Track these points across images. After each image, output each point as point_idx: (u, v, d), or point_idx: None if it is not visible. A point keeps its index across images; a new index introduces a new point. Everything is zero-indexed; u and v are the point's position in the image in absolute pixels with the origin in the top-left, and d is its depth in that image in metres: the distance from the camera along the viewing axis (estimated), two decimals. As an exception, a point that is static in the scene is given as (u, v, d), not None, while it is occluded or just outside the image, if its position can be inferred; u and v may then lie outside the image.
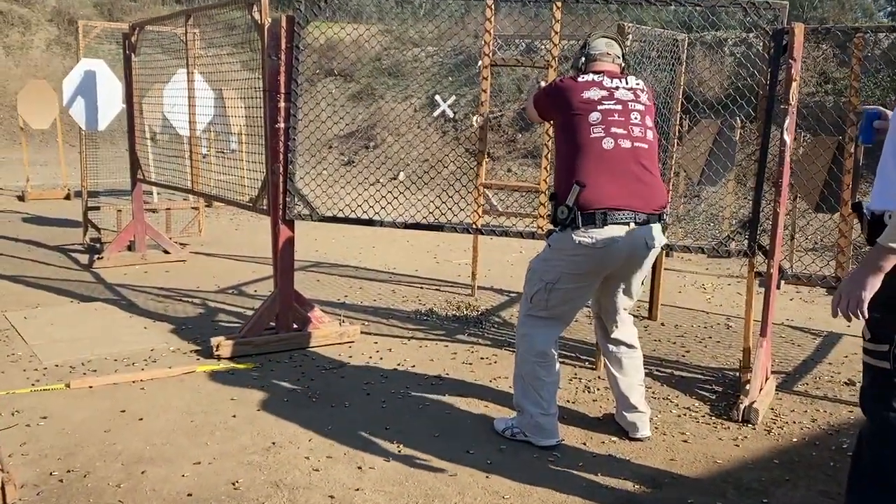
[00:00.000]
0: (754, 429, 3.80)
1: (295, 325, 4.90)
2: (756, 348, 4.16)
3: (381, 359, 4.71)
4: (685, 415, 3.97)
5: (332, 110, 5.13)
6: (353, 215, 4.88)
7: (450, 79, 14.44)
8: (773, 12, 4.02)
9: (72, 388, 4.11)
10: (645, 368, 4.18)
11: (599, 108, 3.36)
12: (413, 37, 14.01)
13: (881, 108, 2.64)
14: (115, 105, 7.59)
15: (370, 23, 15.02)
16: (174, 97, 6.77)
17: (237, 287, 6.41)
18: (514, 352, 3.72)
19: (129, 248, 7.28)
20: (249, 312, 5.33)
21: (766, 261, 4.20)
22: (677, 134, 5.41)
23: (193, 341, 4.93)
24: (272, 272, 5.05)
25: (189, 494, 3.07)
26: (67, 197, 11.02)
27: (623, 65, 3.63)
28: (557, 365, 3.57)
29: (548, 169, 4.57)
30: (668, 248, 4.62)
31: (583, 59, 3.57)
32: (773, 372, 4.47)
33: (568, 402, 4.08)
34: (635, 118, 3.40)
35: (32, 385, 4.16)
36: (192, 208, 8.60)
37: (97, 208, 8.10)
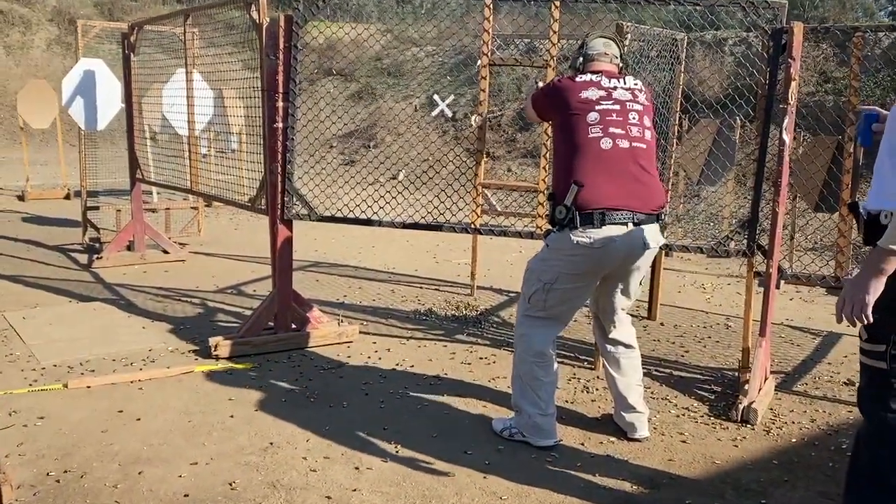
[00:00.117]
0: (753, 429, 3.80)
1: (293, 325, 4.90)
2: (755, 348, 4.16)
3: (380, 359, 4.70)
4: (684, 415, 3.97)
5: (331, 110, 5.12)
6: (351, 215, 4.87)
7: (448, 78, 14.43)
8: (772, 11, 4.01)
9: (69, 388, 4.11)
10: (644, 368, 4.17)
11: (597, 108, 3.35)
12: (413, 36, 14.00)
13: (879, 109, 2.63)
14: (115, 105, 7.59)
15: (370, 22, 15.02)
16: (173, 97, 6.77)
17: (236, 287, 6.40)
18: (512, 352, 3.71)
19: (129, 248, 7.28)
20: (248, 312, 5.33)
21: (765, 260, 4.19)
22: (676, 134, 5.39)
23: (192, 341, 4.92)
24: (271, 272, 5.04)
25: (186, 495, 3.06)
26: (67, 197, 11.01)
27: (621, 65, 3.62)
28: (555, 365, 3.57)
29: (546, 169, 4.56)
30: (667, 248, 4.61)
31: (581, 58, 3.57)
32: (772, 372, 4.46)
33: (566, 402, 4.07)
34: (633, 118, 3.39)
35: (30, 385, 4.15)
36: (192, 208, 8.60)
37: (96, 208, 8.09)
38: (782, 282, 4.56)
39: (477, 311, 5.82)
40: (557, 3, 4.33)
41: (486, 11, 4.46)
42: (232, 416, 3.80)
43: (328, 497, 3.07)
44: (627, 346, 3.68)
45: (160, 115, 7.22)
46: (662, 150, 5.00)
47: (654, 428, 3.76)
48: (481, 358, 4.75)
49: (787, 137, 3.97)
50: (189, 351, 4.76)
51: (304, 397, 4.08)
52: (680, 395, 4.23)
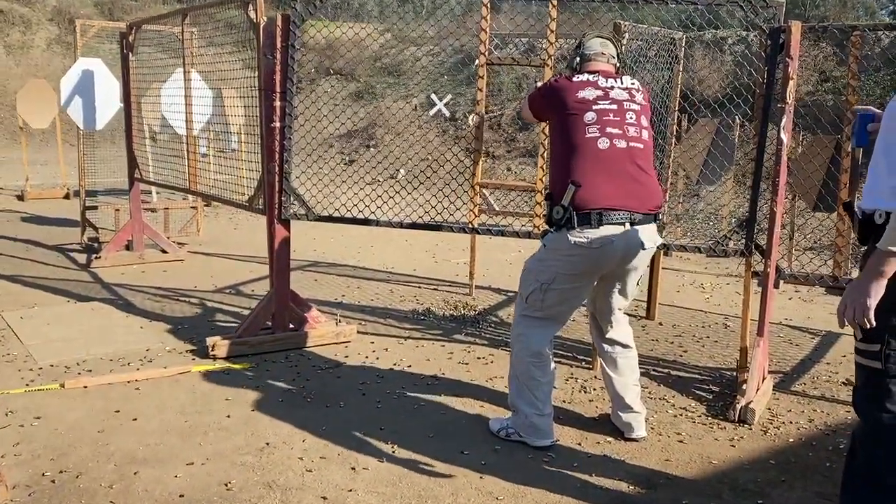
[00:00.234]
0: (751, 429, 3.79)
1: (291, 325, 4.89)
2: (753, 348, 4.15)
3: (378, 359, 4.70)
4: (681, 415, 3.96)
5: (328, 109, 5.11)
6: (348, 215, 4.87)
7: (445, 77, 14.42)
8: (770, 11, 4.00)
9: (66, 388, 4.10)
10: (642, 368, 4.17)
11: (594, 107, 3.34)
12: (413, 36, 13.99)
13: (875, 109, 2.62)
14: (113, 104, 7.58)
15: (370, 22, 15.02)
16: (172, 96, 6.77)
17: (234, 287, 6.40)
18: (510, 351, 3.71)
19: (127, 248, 7.28)
20: (247, 312, 5.32)
21: (763, 260, 4.18)
22: (675, 133, 5.38)
23: (189, 341, 4.92)
24: (269, 272, 5.03)
25: (181, 495, 3.05)
26: (67, 196, 11.01)
27: (618, 64, 3.61)
28: (552, 365, 3.56)
29: (544, 168, 4.56)
30: (665, 248, 4.61)
31: (577, 58, 3.56)
32: (770, 371, 4.45)
33: (564, 402, 4.06)
34: (630, 118, 3.38)
35: (27, 385, 4.15)
36: (191, 208, 8.59)
37: (95, 208, 8.09)
38: (781, 281, 4.56)
39: (475, 310, 5.82)
40: (555, 2, 4.32)
41: (483, 11, 4.45)
42: (228, 417, 3.80)
43: (324, 497, 3.06)
44: (624, 346, 3.67)
45: (160, 115, 7.21)
46: (660, 150, 4.98)
47: (652, 428, 3.75)
48: (479, 358, 4.74)
49: (784, 137, 3.96)
50: (186, 351, 4.75)
51: (301, 397, 4.07)
52: (678, 395, 4.22)
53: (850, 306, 2.26)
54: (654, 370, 4.60)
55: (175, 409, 3.88)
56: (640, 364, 3.83)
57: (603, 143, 3.31)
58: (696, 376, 4.55)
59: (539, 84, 3.83)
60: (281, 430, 3.65)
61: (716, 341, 5.24)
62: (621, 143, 3.32)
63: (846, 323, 2.30)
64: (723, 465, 3.42)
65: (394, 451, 3.46)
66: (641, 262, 3.44)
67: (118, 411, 3.84)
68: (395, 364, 4.60)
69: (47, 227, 8.98)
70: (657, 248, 4.04)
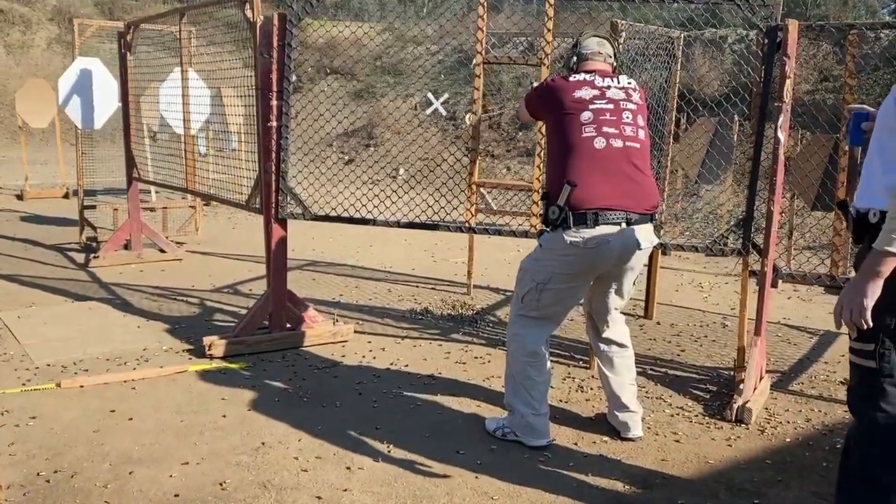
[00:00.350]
0: (747, 429, 3.78)
1: (288, 325, 4.89)
2: (750, 347, 4.14)
3: (375, 358, 4.69)
4: (678, 414, 3.95)
5: (324, 108, 5.10)
6: (345, 214, 4.86)
7: (441, 76, 14.42)
8: (767, 9, 3.99)
9: (62, 388, 4.10)
10: (639, 367, 4.16)
11: (591, 107, 3.34)
12: (413, 35, 13.99)
13: (869, 108, 2.61)
14: (112, 104, 7.58)
15: (371, 21, 15.01)
16: (170, 95, 6.76)
17: (232, 286, 6.39)
18: (506, 351, 3.70)
19: (126, 247, 7.28)
20: (244, 311, 5.31)
21: (761, 259, 4.17)
22: (672, 132, 5.37)
23: (187, 340, 4.91)
24: (266, 271, 5.03)
25: (176, 495, 3.05)
26: (66, 196, 11.02)
27: (615, 64, 3.60)
28: (549, 365, 3.55)
29: (541, 168, 4.55)
30: (663, 247, 4.60)
31: (574, 58, 3.55)
32: (768, 371, 4.45)
33: (560, 401, 4.06)
34: (627, 117, 3.37)
35: (23, 385, 4.14)
36: (190, 207, 8.59)
37: (93, 207, 8.09)
38: (780, 281, 4.55)
39: (473, 310, 5.81)
40: (552, 1, 4.31)
41: (480, 10, 4.44)
42: (224, 416, 3.79)
43: (319, 497, 3.06)
44: (621, 346, 3.66)
45: (158, 115, 7.21)
46: (658, 150, 4.98)
47: (648, 427, 3.74)
48: (476, 357, 4.74)
49: (781, 135, 3.95)
50: (183, 350, 4.75)
51: (298, 397, 4.06)
52: (675, 395, 4.22)
53: (846, 307, 2.25)
54: (651, 369, 4.59)
55: (171, 409, 3.87)
56: (637, 363, 3.82)
57: (599, 143, 3.30)
58: (694, 376, 4.54)
59: (536, 84, 3.83)
60: (277, 430, 3.65)
61: (714, 341, 5.23)
62: (617, 143, 3.31)
63: (843, 323, 2.29)
64: (719, 464, 3.41)
65: (389, 451, 3.46)
66: (638, 261, 3.43)
67: (114, 411, 3.83)
68: (391, 363, 4.60)
69: (46, 226, 8.98)
70: (654, 247, 4.04)
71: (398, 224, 4.71)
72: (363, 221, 4.78)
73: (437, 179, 5.13)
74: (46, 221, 9.28)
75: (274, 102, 4.64)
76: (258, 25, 4.61)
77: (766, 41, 4.00)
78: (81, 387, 4.13)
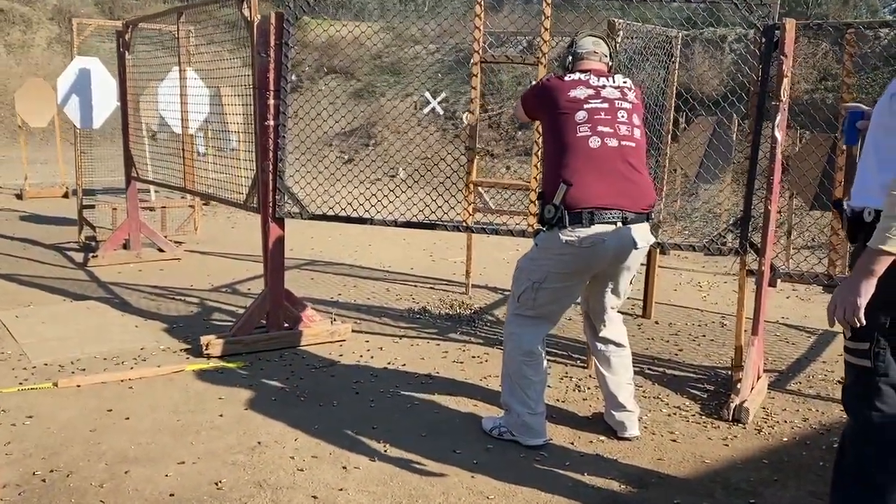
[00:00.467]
0: (744, 428, 3.77)
1: (286, 324, 4.89)
2: (748, 347, 4.14)
3: (372, 357, 4.69)
4: (675, 414, 3.95)
5: (322, 108, 5.10)
6: (342, 213, 4.86)
7: (439, 75, 14.40)
8: (764, 8, 3.99)
9: (59, 387, 4.10)
10: (637, 367, 4.16)
11: (585, 106, 3.33)
12: (414, 34, 13.97)
13: (864, 107, 2.61)
14: (110, 103, 7.58)
15: (371, 20, 15.01)
16: (169, 95, 6.76)
17: (231, 285, 6.40)
18: (503, 350, 3.70)
19: (125, 247, 7.28)
20: (242, 311, 5.31)
21: (758, 258, 4.17)
22: (670, 132, 5.37)
23: (184, 340, 4.91)
24: (263, 271, 5.02)
25: (171, 494, 3.05)
26: (66, 195, 11.02)
27: (610, 63, 3.60)
28: (545, 364, 3.55)
29: (538, 167, 4.54)
30: (660, 246, 4.59)
31: (570, 57, 3.55)
32: (765, 370, 4.45)
33: (558, 400, 4.05)
34: (622, 116, 3.37)
35: (20, 384, 4.14)
36: (189, 206, 8.59)
37: (92, 206, 8.09)
38: (778, 280, 4.55)
39: (471, 309, 5.81)
40: (549, 1, 4.31)
41: (477, 9, 4.43)
42: (221, 416, 3.79)
43: (314, 497, 3.06)
44: (618, 345, 3.66)
45: (157, 114, 7.20)
46: (656, 149, 4.97)
47: (645, 427, 3.74)
48: (474, 356, 4.73)
49: (779, 134, 3.95)
50: (181, 350, 4.75)
51: (295, 396, 4.06)
52: (672, 394, 4.21)
53: (840, 305, 2.25)
54: (649, 369, 4.59)
55: (168, 408, 3.87)
56: (635, 363, 3.82)
57: (594, 142, 3.29)
58: (692, 375, 4.53)
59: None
60: (273, 429, 3.65)
61: (712, 340, 5.23)
62: (612, 142, 3.31)
63: (836, 321, 2.29)
64: (716, 464, 3.41)
65: (386, 450, 3.45)
66: (634, 261, 3.43)
67: (111, 410, 3.83)
68: (389, 363, 4.59)
69: (45, 225, 8.99)
70: (652, 246, 4.04)
71: (396, 223, 4.71)
72: (361, 221, 4.78)
73: (435, 179, 5.13)
74: (45, 221, 9.28)
75: (271, 101, 4.63)
76: (255, 24, 4.60)
77: (764, 40, 4.00)
78: (78, 386, 4.13)
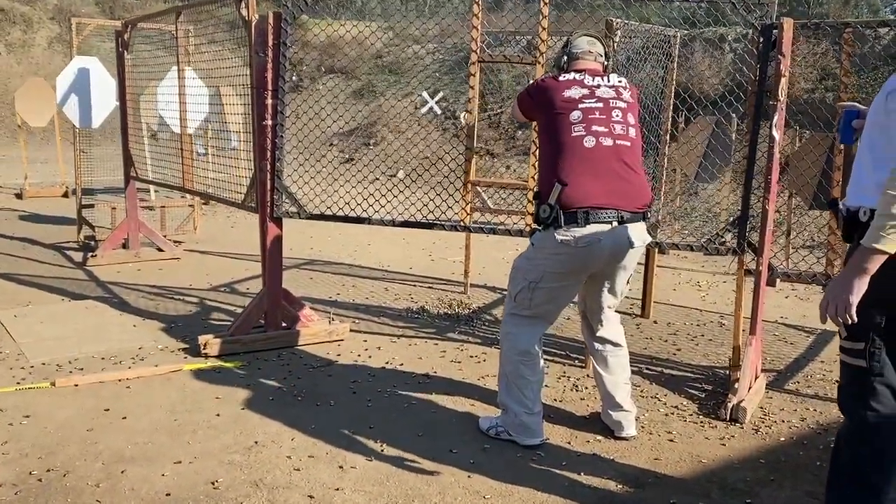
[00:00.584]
0: (742, 428, 3.77)
1: (284, 324, 4.88)
2: (745, 346, 4.13)
3: (370, 357, 4.69)
4: (673, 413, 3.94)
5: (321, 106, 5.10)
6: (340, 213, 4.85)
7: (437, 74, 14.39)
8: (762, 7, 3.98)
9: (57, 387, 4.10)
10: (635, 366, 4.16)
11: (580, 106, 3.33)
12: (414, 34, 13.98)
13: (859, 105, 2.60)
14: (110, 103, 7.58)
15: (373, 20, 15.01)
16: (168, 94, 6.76)
17: (230, 285, 6.39)
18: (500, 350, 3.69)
19: (124, 246, 7.28)
20: (241, 310, 5.31)
21: (756, 258, 4.16)
22: (669, 131, 5.36)
23: (182, 339, 4.91)
24: (261, 270, 5.02)
25: (167, 494, 3.05)
26: (65, 195, 11.02)
27: (606, 63, 3.59)
28: (542, 363, 3.55)
29: (535, 167, 4.54)
30: (658, 245, 4.59)
31: (565, 57, 3.55)
32: (764, 370, 4.44)
33: (555, 400, 4.05)
34: (617, 116, 3.36)
35: (17, 383, 4.14)
36: (189, 206, 8.59)
37: (92, 206, 8.09)
38: (777, 279, 4.54)
39: (469, 308, 5.81)
40: (547, 0, 4.30)
41: (475, 8, 4.43)
42: (218, 415, 3.79)
43: (311, 496, 3.06)
44: (615, 345, 3.66)
45: (157, 114, 7.20)
46: (654, 149, 4.97)
47: (642, 427, 3.74)
48: (472, 356, 4.73)
49: (776, 134, 3.94)
50: (179, 349, 4.75)
51: (292, 396, 4.06)
52: (670, 394, 4.21)
53: (832, 302, 2.25)
54: (647, 368, 4.58)
55: (165, 408, 3.87)
56: (633, 362, 3.82)
57: (589, 142, 3.29)
58: (690, 375, 4.53)
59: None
60: (270, 429, 3.65)
61: (710, 339, 5.22)
62: (607, 142, 3.31)
63: (828, 318, 2.29)
64: (712, 463, 3.41)
65: (382, 450, 3.45)
66: (631, 260, 3.43)
67: (108, 410, 3.83)
68: (387, 362, 4.59)
69: (45, 225, 8.99)
70: (649, 246, 4.03)
71: (393, 223, 4.71)
72: (359, 220, 4.77)
73: (433, 178, 5.12)
74: (45, 220, 9.28)
75: (269, 101, 4.63)
76: (253, 24, 4.59)
77: (761, 40, 3.99)
78: (76, 386, 4.13)
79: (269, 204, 4.73)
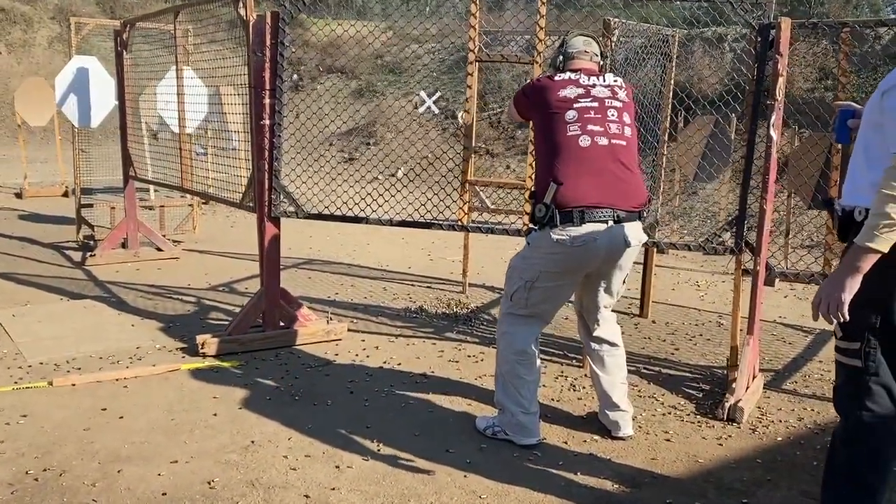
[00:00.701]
0: (739, 428, 3.77)
1: (282, 323, 4.88)
2: (743, 346, 4.13)
3: (368, 357, 4.69)
4: (670, 413, 3.94)
5: (319, 106, 5.10)
6: (338, 212, 4.85)
7: (434, 74, 14.38)
8: (759, 7, 3.98)
9: (54, 386, 4.10)
10: (633, 366, 4.15)
11: (576, 105, 3.33)
12: (413, 34, 13.98)
13: (855, 105, 2.60)
14: (109, 102, 7.58)
15: (370, 18, 15.00)
16: (167, 94, 6.75)
17: (228, 284, 6.39)
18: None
19: (123, 246, 7.28)
20: (239, 310, 5.30)
21: (753, 258, 4.16)
22: (667, 131, 5.36)
23: (180, 339, 4.91)
24: (259, 270, 5.02)
25: (163, 493, 3.04)
26: (65, 194, 11.02)
27: (601, 62, 3.59)
28: (538, 363, 3.55)
29: (532, 166, 4.53)
30: (656, 245, 4.59)
31: (560, 57, 3.55)
32: (762, 369, 4.44)
33: (552, 400, 4.05)
34: (612, 115, 3.36)
35: (15, 383, 4.14)
36: (188, 206, 8.59)
37: (91, 206, 8.09)
38: (776, 279, 4.53)
39: (468, 308, 5.80)
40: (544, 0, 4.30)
41: (472, 7, 4.43)
42: (215, 415, 3.79)
43: (306, 496, 3.05)
44: (612, 345, 3.65)
45: (157, 113, 7.20)
46: (652, 148, 4.96)
47: (639, 426, 3.73)
48: (469, 356, 4.73)
49: (774, 134, 3.94)
50: (177, 349, 4.75)
51: (289, 395, 4.06)
52: (667, 394, 4.21)
53: (825, 300, 2.25)
54: (645, 368, 4.58)
55: (162, 407, 3.87)
56: (631, 362, 3.82)
57: (584, 141, 3.29)
58: (687, 374, 4.53)
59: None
60: (267, 429, 3.64)
61: (708, 339, 5.22)
62: (603, 141, 3.30)
63: (820, 316, 2.29)
64: (709, 463, 3.40)
65: (379, 450, 3.45)
66: (627, 260, 3.42)
67: (105, 409, 3.83)
68: (384, 362, 4.59)
69: (44, 224, 8.99)
70: (647, 246, 4.02)
71: (391, 223, 4.71)
72: (356, 220, 4.77)
73: (430, 178, 5.12)
74: (44, 220, 9.29)
75: (267, 101, 4.63)
76: (251, 24, 4.59)
77: (759, 39, 3.99)
78: (73, 385, 4.13)
79: (266, 203, 4.72)
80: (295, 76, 15.63)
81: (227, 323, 5.13)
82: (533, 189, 3.45)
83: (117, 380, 4.22)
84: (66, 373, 4.31)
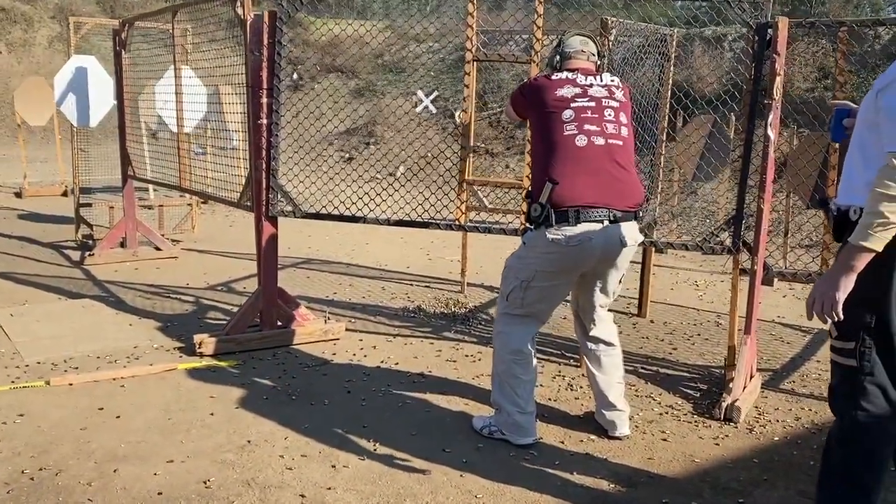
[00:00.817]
0: (736, 427, 3.77)
1: (279, 323, 4.88)
2: (740, 346, 4.12)
3: (365, 356, 4.68)
4: (667, 413, 3.94)
5: (316, 105, 5.09)
6: (335, 212, 4.85)
7: (432, 73, 14.38)
8: (757, 6, 3.97)
9: (51, 386, 4.10)
10: (631, 366, 4.14)
11: (572, 105, 3.33)
12: (411, 33, 13.97)
13: (851, 104, 2.59)
14: (108, 101, 7.58)
15: (373, 17, 15.00)
16: (165, 94, 6.75)
17: (227, 284, 6.39)
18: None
19: (122, 245, 7.28)
20: (237, 309, 5.30)
21: (751, 257, 4.16)
22: (665, 131, 5.35)
23: (178, 338, 4.91)
24: (257, 269, 5.02)
25: (159, 493, 3.04)
26: (65, 194, 11.02)
27: (598, 62, 3.59)
28: (534, 363, 3.54)
29: (530, 166, 4.53)
30: (654, 245, 4.58)
31: (557, 57, 3.55)
32: (759, 369, 4.44)
33: (550, 399, 4.05)
34: (609, 115, 3.36)
35: (12, 382, 4.14)
36: (187, 205, 8.59)
37: (89, 205, 8.09)
38: (774, 279, 4.53)
39: (466, 308, 5.80)
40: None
41: (469, 7, 4.42)
42: (212, 414, 3.79)
43: (302, 496, 3.05)
44: (608, 344, 3.65)
45: (156, 113, 7.20)
46: (649, 148, 4.96)
47: (636, 426, 3.73)
48: (467, 355, 4.73)
49: (771, 133, 3.94)
50: (174, 348, 4.75)
51: (286, 395, 4.06)
52: (665, 393, 4.20)
53: (818, 299, 2.25)
54: (642, 368, 4.58)
55: (159, 407, 3.87)
56: (629, 362, 3.81)
57: (581, 141, 3.29)
58: (685, 374, 4.52)
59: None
60: (263, 428, 3.64)
61: (706, 339, 5.22)
62: (599, 141, 3.30)
63: (814, 315, 2.28)
64: (706, 463, 3.40)
65: (375, 449, 3.45)
66: (623, 259, 3.42)
67: (102, 409, 3.83)
68: (382, 362, 4.59)
69: (43, 224, 8.99)
70: (645, 245, 4.02)
71: (388, 222, 4.70)
72: (353, 219, 4.77)
73: (428, 178, 5.12)
74: (44, 219, 9.29)
75: (264, 100, 4.63)
76: (248, 23, 4.59)
77: (757, 38, 3.98)
78: (70, 385, 4.13)
79: (264, 203, 4.72)
80: (295, 75, 15.63)
81: (224, 322, 5.13)
82: (529, 188, 3.45)
83: (114, 379, 4.22)
84: (63, 372, 4.31)
